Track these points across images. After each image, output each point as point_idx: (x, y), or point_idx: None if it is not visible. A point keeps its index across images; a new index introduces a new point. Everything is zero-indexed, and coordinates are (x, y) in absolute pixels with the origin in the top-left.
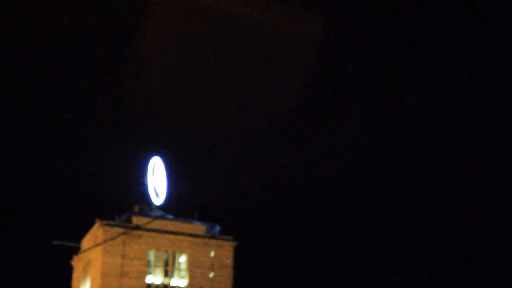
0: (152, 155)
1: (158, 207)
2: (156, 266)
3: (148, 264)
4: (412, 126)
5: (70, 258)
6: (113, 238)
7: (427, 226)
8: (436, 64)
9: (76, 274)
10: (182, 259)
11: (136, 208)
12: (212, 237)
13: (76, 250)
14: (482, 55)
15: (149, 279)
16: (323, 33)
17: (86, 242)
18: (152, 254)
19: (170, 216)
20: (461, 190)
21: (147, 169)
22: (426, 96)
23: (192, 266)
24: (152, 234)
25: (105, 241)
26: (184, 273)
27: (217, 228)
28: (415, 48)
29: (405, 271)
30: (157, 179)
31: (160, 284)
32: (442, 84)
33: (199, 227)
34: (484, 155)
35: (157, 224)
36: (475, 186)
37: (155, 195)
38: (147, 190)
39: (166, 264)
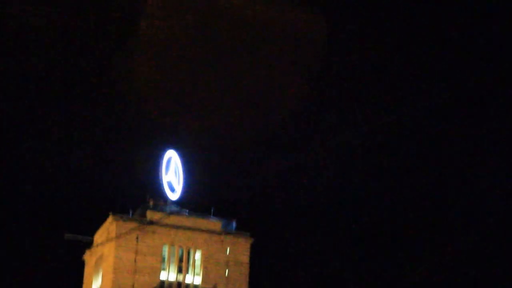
0: (167, 149)
1: (173, 202)
2: (170, 262)
3: (162, 260)
4: (419, 125)
5: (83, 252)
6: (126, 233)
7: (431, 226)
8: (443, 63)
9: (88, 269)
10: (197, 256)
11: (151, 202)
12: (228, 233)
13: (88, 244)
14: (488, 55)
15: (163, 276)
16: (325, 31)
17: (98, 236)
18: (166, 250)
19: (186, 212)
20: (464, 191)
21: (161, 163)
22: (432, 95)
23: (207, 263)
24: (167, 229)
25: (118, 235)
26: (198, 269)
27: (233, 224)
28: (418, 46)
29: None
30: (172, 173)
31: (174, 280)
32: (448, 83)
33: (215, 223)
34: (487, 156)
35: (172, 219)
36: (478, 188)
37: (171, 190)
38: (162, 185)
39: (180, 260)
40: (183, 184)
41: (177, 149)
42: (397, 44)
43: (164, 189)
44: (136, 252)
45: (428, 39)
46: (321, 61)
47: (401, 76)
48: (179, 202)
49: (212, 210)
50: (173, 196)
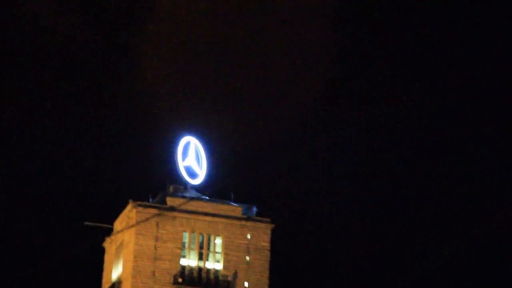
0: (184, 135)
1: (193, 188)
2: (190, 248)
3: (182, 246)
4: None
5: (102, 239)
6: (146, 219)
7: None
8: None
9: (108, 256)
10: (218, 242)
11: (171, 188)
12: (249, 219)
13: (108, 232)
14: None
15: (183, 262)
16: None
17: (118, 224)
18: (186, 236)
19: (206, 197)
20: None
21: (176, 149)
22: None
23: (227, 249)
24: (187, 215)
25: (138, 222)
26: (219, 256)
27: (254, 209)
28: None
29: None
30: (192, 159)
31: (195, 267)
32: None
33: (235, 209)
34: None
35: (192, 205)
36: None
37: (191, 176)
38: (178, 171)
39: (201, 246)
40: (206, 168)
41: (196, 134)
42: (414, 36)
43: (181, 174)
44: (156, 239)
45: (446, 32)
46: (337, 54)
47: (413, 68)
48: (198, 188)
49: (232, 196)
50: (195, 181)
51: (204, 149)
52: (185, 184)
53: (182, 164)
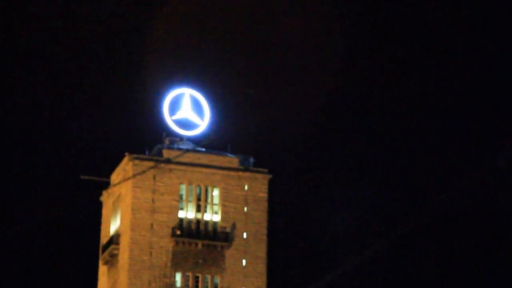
0: (175, 87)
1: (190, 140)
2: (188, 200)
3: (179, 198)
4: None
5: (100, 193)
6: (143, 172)
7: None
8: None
9: (105, 210)
10: (215, 193)
11: (167, 141)
12: (246, 170)
13: (105, 185)
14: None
15: (181, 214)
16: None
17: (115, 177)
18: (183, 189)
19: (202, 149)
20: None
21: (163, 102)
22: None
23: (225, 200)
24: (184, 167)
25: (134, 175)
26: (217, 207)
27: (251, 160)
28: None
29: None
30: (188, 110)
31: (193, 219)
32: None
33: (232, 160)
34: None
35: (189, 157)
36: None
37: (188, 127)
38: (166, 123)
39: (198, 198)
40: (209, 118)
41: (192, 86)
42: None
43: (170, 127)
44: (154, 192)
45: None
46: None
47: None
48: (195, 140)
49: (228, 147)
50: (191, 133)
51: (199, 101)
52: (180, 136)
53: (170, 117)
